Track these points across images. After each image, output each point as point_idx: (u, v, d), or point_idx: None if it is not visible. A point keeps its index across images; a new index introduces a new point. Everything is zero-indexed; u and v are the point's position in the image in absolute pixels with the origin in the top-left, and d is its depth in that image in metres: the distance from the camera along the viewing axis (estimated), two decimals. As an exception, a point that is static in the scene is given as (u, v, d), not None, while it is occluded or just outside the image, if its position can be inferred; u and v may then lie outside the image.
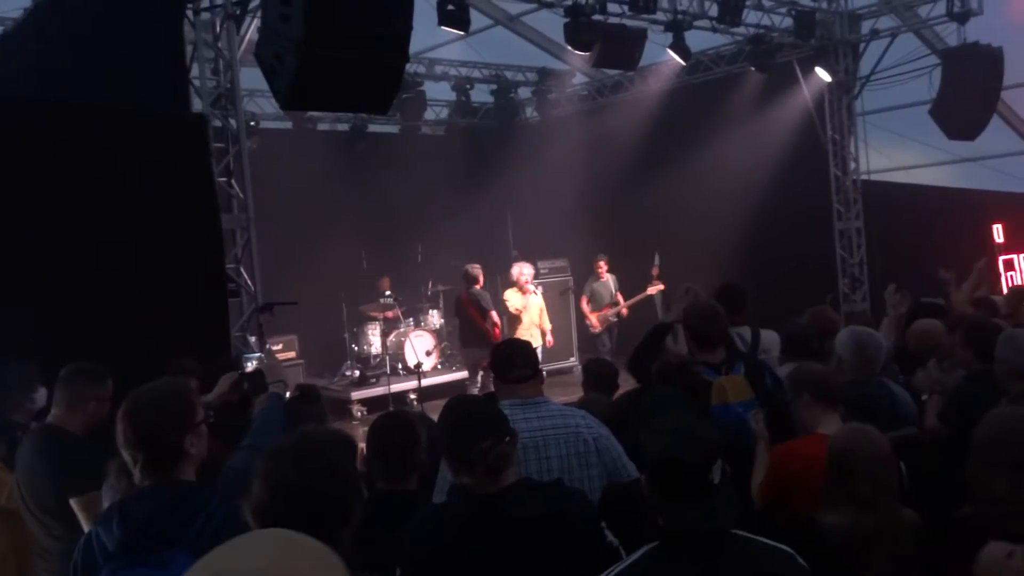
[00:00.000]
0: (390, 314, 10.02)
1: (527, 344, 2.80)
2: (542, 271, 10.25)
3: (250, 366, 2.91)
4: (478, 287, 8.03)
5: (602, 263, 9.58)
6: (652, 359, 3.33)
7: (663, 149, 9.88)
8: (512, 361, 2.66)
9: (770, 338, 3.89)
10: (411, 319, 10.20)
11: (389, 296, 9.79)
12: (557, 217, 10.96)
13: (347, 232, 10.21)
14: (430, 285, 10.52)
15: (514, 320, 8.28)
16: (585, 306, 9.59)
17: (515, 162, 11.05)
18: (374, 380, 9.38)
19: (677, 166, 9.67)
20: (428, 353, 9.66)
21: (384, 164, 10.79)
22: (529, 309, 8.35)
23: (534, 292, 8.36)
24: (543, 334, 8.59)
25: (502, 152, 11.25)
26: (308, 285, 9.29)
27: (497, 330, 8.10)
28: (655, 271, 9.62)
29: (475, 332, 7.96)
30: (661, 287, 9.34)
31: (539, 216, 11.25)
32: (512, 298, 8.25)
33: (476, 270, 8.01)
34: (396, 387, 8.99)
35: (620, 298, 9.58)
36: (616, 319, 9.52)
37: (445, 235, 10.50)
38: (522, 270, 8.27)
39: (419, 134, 11.55)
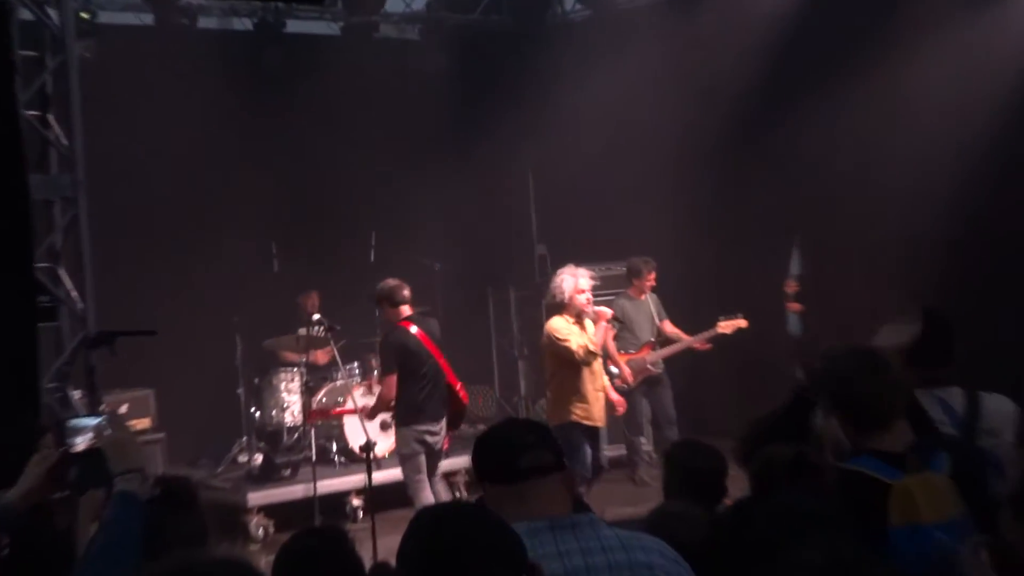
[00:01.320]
0: (320, 356, 10.03)
1: (528, 420, 2.79)
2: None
3: (80, 442, 3.02)
4: (405, 311, 8.04)
5: (650, 272, 9.74)
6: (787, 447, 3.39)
7: (802, 72, 9.83)
8: (515, 440, 2.69)
9: (999, 409, 3.90)
10: (356, 364, 10.25)
11: (320, 324, 9.79)
12: (613, 187, 10.98)
13: (247, 211, 10.24)
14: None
15: (568, 374, 8.04)
16: (611, 343, 9.50)
17: (543, 90, 10.97)
18: (288, 472, 9.42)
19: (829, 102, 9.58)
20: (385, 425, 9.64)
21: (314, 90, 10.70)
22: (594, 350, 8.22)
23: (606, 321, 8.24)
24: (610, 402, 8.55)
25: (522, 73, 11.18)
26: (177, 302, 9.40)
27: (463, 391, 8.24)
28: (791, 285, 9.65)
29: (438, 394, 8.00)
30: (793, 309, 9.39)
31: (582, 186, 11.23)
32: (566, 332, 8.02)
33: (396, 287, 8.03)
34: (327, 485, 8.96)
35: (668, 327, 9.79)
36: (660, 369, 9.69)
37: (417, 218, 10.63)
38: (578, 282, 8.10)
39: (375, 39, 11.49)
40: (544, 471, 2.62)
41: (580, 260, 9.68)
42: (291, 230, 10.74)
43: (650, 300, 9.87)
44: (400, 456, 8.05)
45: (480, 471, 2.73)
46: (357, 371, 10.24)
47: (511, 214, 12.07)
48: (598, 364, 8.17)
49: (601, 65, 10.89)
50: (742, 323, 9.45)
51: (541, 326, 11.02)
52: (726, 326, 9.45)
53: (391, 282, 8.12)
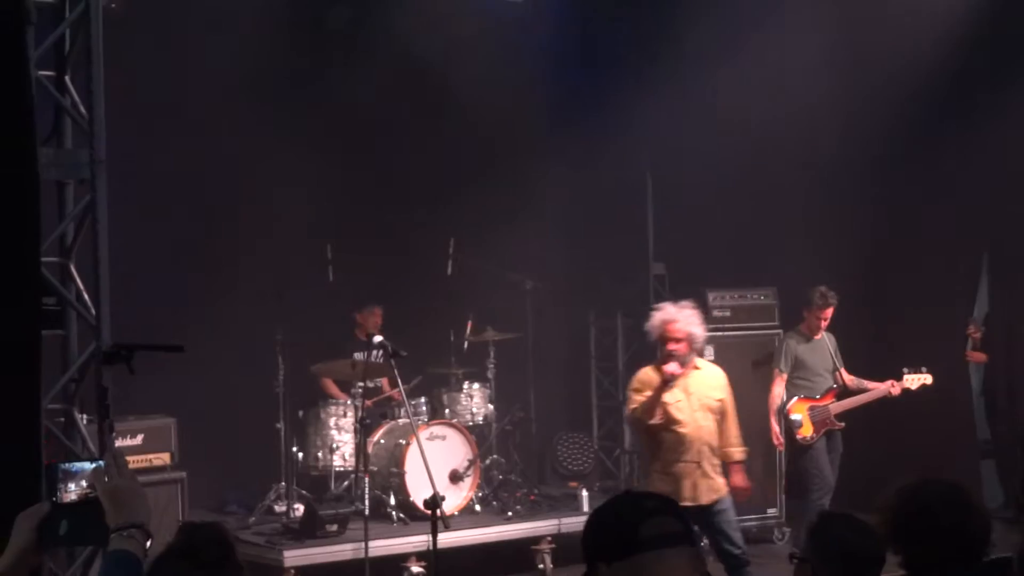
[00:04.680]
0: (387, 387, 10.24)
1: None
2: (719, 313, 10.20)
3: (73, 490, 2.93)
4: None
5: (826, 307, 9.61)
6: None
7: (1004, 60, 9.95)
8: (634, 507, 2.73)
9: None
10: (423, 399, 10.46)
11: (381, 347, 9.80)
12: (753, 197, 11.00)
13: (297, 205, 10.36)
14: (468, 329, 10.85)
15: (646, 439, 8.11)
16: (779, 390, 9.63)
17: (671, 71, 10.81)
18: (335, 527, 9.45)
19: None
20: (456, 477, 9.90)
21: (385, 60, 10.68)
22: (684, 412, 7.98)
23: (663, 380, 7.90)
24: (736, 471, 8.32)
25: (646, 48, 11.12)
26: (209, 313, 9.44)
27: None
28: (973, 329, 9.63)
29: None
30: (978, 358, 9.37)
31: (713, 193, 11.18)
32: (641, 384, 7.96)
33: None
34: (382, 546, 9.07)
35: (844, 376, 9.79)
36: (842, 424, 9.79)
37: (506, 223, 10.60)
38: (670, 326, 7.86)
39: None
40: (671, 541, 2.63)
41: (708, 284, 9.99)
42: (351, 230, 10.77)
43: (827, 340, 9.88)
44: None
45: (593, 550, 2.71)
46: (424, 408, 10.36)
47: (622, 224, 12.06)
48: (695, 428, 7.86)
49: (745, 43, 10.63)
50: (927, 379, 9.48)
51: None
52: (911, 380, 9.47)
53: None
